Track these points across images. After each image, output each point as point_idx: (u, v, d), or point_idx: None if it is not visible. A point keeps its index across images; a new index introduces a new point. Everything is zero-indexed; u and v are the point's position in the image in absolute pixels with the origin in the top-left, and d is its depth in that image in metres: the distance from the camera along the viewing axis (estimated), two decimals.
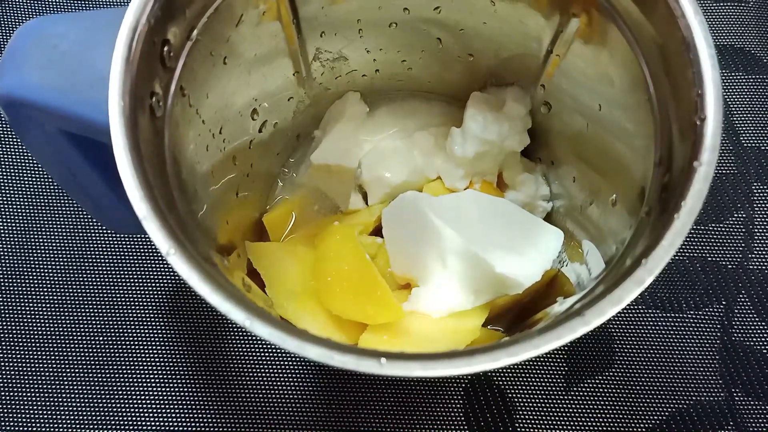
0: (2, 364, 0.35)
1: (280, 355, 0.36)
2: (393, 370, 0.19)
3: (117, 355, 0.36)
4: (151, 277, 0.37)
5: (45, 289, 0.37)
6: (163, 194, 0.21)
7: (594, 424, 0.35)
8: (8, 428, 0.34)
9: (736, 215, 0.39)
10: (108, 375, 0.35)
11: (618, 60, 0.26)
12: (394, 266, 0.31)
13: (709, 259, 0.38)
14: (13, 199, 0.38)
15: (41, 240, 0.37)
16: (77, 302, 0.36)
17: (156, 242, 0.19)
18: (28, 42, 0.23)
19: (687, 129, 0.22)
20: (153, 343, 0.36)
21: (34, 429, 0.34)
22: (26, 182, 0.39)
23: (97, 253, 0.37)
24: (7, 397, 0.35)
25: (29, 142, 0.25)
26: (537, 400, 0.35)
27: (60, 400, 0.35)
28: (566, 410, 0.35)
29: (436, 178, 0.34)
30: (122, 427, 0.34)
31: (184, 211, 0.23)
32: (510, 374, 0.36)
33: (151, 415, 0.35)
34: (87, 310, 0.36)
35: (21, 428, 0.34)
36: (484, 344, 0.19)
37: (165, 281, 0.37)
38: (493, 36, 0.31)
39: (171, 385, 0.35)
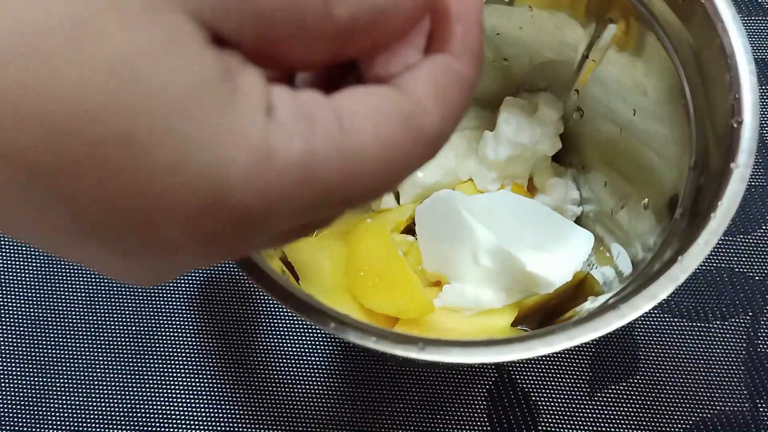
0: (34, 355, 0.36)
1: (306, 350, 0.36)
2: (432, 355, 0.19)
3: (146, 347, 0.36)
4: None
5: (79, 285, 0.37)
6: None
7: (617, 430, 0.35)
8: (41, 417, 0.35)
9: (764, 227, 0.39)
10: (138, 367, 0.36)
11: (654, 67, 0.26)
12: (426, 263, 0.32)
13: (737, 270, 0.38)
14: None
15: None
16: (108, 296, 0.37)
17: None
18: None
19: (723, 132, 0.22)
20: (181, 334, 0.36)
21: (65, 417, 0.35)
22: None
23: None
24: (40, 386, 0.35)
25: None
26: (560, 404, 0.35)
27: (91, 391, 0.35)
28: (589, 415, 0.35)
29: (467, 179, 0.35)
30: (152, 417, 0.35)
31: None
32: (534, 377, 0.36)
33: (179, 408, 0.35)
34: (118, 304, 0.37)
35: (54, 417, 0.35)
36: (520, 334, 0.20)
37: (194, 276, 0.37)
38: (528, 41, 0.31)
39: (198, 377, 0.36)
